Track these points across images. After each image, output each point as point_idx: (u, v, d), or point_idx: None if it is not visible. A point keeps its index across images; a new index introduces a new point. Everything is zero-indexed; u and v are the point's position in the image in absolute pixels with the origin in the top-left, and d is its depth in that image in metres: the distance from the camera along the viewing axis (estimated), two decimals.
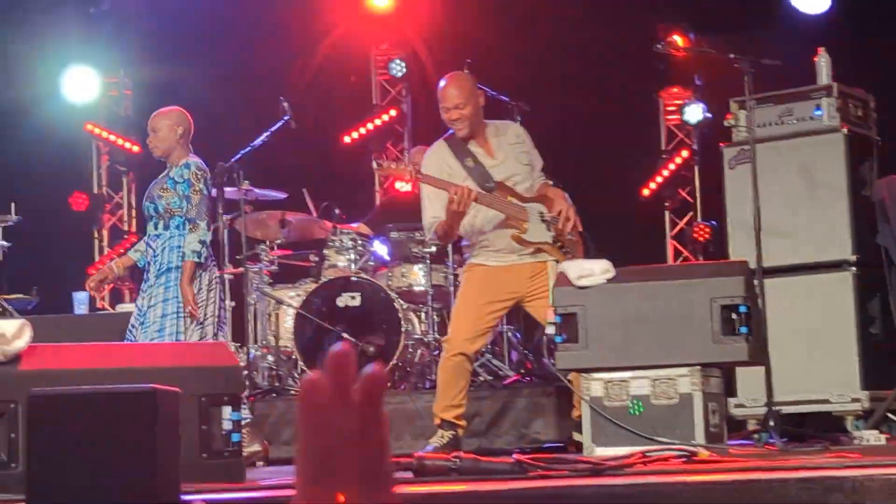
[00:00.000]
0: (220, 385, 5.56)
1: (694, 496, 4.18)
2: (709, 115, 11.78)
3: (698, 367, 6.52)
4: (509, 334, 8.96)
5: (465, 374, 7.37)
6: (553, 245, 7.40)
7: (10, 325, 5.19)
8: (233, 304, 9.61)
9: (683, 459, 5.10)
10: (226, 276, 9.53)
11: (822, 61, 8.30)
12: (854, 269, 7.91)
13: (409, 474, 4.98)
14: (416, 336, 9.09)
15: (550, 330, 6.89)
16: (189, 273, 7.56)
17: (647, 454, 5.22)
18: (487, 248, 7.39)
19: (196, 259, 7.57)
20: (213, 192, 7.99)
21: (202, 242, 7.62)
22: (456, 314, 7.57)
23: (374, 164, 7.85)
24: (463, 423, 7.35)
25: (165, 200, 7.68)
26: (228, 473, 5.42)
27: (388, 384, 8.70)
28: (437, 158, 7.49)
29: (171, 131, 7.85)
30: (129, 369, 5.35)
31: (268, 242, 9.78)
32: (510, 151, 7.49)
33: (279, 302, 9.41)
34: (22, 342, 5.18)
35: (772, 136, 8.12)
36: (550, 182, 7.64)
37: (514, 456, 4.87)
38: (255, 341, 9.47)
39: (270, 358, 9.30)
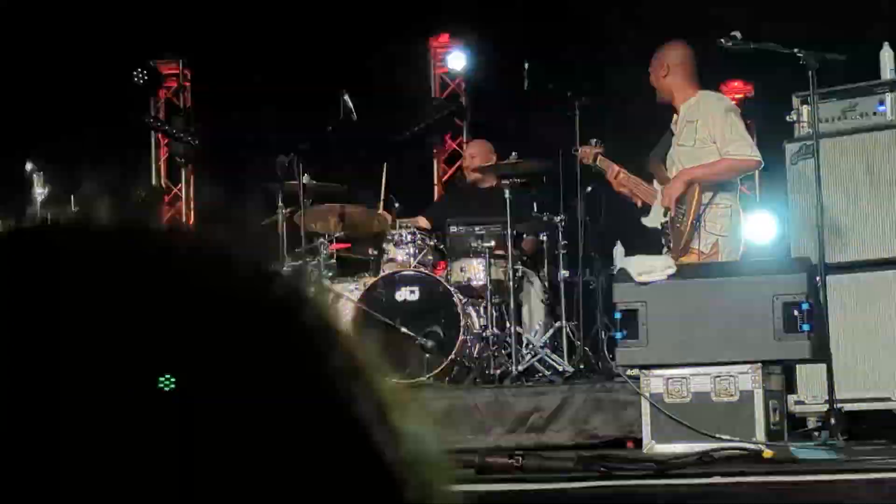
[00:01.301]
0: None
1: (760, 497, 4.15)
2: (769, 108, 11.67)
3: (759, 365, 6.47)
4: (568, 329, 8.93)
5: None
6: (661, 231, 7.40)
7: None
8: None
9: (747, 459, 5.06)
10: (285, 269, 9.57)
11: (886, 55, 8.22)
12: None
13: (471, 472, 4.96)
14: (475, 331, 9.06)
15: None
16: None
17: (712, 453, 5.19)
18: None
19: None
20: None
21: None
22: None
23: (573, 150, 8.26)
24: None
25: None
26: None
27: (446, 378, 8.71)
28: None
29: None
30: None
31: (326, 235, 9.77)
32: (683, 130, 7.55)
33: (338, 295, 9.41)
34: None
35: (834, 131, 8.05)
36: (734, 158, 7.54)
37: (578, 455, 4.85)
38: None
39: None
